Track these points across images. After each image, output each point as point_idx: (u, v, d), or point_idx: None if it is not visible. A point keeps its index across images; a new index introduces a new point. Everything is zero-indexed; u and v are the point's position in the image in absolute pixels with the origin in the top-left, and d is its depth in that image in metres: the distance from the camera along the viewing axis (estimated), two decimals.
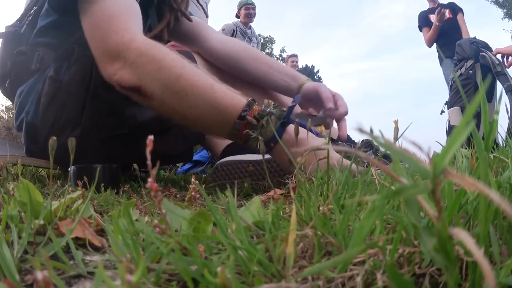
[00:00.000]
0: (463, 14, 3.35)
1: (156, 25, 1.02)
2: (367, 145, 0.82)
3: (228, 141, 0.99)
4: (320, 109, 0.96)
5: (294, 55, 5.21)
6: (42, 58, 0.94)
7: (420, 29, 3.45)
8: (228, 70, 1.08)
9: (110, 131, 0.88)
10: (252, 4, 3.77)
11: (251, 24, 3.83)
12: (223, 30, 3.56)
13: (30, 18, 0.99)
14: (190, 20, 1.08)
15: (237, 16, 3.81)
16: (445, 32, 3.24)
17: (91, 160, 0.83)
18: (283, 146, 0.52)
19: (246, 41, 3.65)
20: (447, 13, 3.30)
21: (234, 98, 0.68)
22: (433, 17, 3.23)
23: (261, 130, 0.67)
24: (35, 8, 0.98)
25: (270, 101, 0.70)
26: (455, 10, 3.38)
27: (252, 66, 1.05)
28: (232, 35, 3.55)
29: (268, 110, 0.68)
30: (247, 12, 3.74)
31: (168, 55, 0.70)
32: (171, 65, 0.69)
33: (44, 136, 0.90)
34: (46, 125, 0.90)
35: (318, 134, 0.71)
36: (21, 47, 0.97)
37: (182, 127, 0.94)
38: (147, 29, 1.04)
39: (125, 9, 0.76)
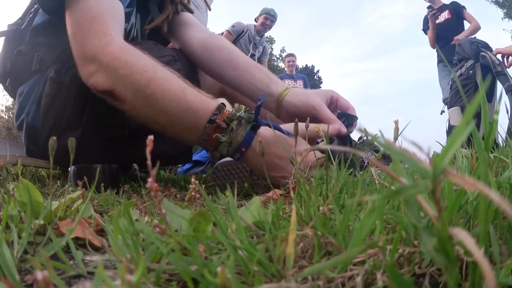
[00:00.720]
0: (465, 9, 3.34)
1: (157, 16, 1.02)
2: (367, 144, 0.81)
3: None
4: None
5: (291, 55, 5.02)
6: (42, 59, 0.94)
7: (425, 32, 3.46)
8: (206, 73, 1.04)
9: (111, 132, 0.88)
10: (273, 17, 3.76)
11: (264, 33, 3.84)
12: (233, 26, 3.56)
13: (30, 16, 0.99)
14: (192, 12, 1.07)
15: (256, 20, 3.82)
16: (441, 35, 3.28)
17: (92, 161, 0.83)
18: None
19: (252, 47, 3.67)
20: (446, 14, 3.30)
21: (205, 102, 0.68)
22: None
23: (231, 134, 0.66)
24: (35, 6, 0.98)
25: (241, 105, 0.69)
26: (457, 9, 3.37)
27: (223, 70, 0.97)
28: (239, 35, 3.55)
29: (238, 114, 0.67)
30: (264, 21, 3.74)
31: (140, 60, 0.71)
32: (142, 70, 0.69)
33: (44, 137, 0.90)
34: (46, 126, 0.90)
35: (289, 134, 0.67)
36: (21, 47, 0.97)
37: None
38: (148, 22, 1.04)
39: (108, 11, 0.76)
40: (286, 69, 4.97)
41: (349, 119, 0.82)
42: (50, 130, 0.89)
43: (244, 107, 0.69)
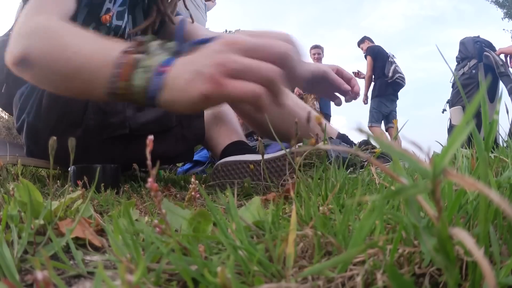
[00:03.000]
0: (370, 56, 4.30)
1: (142, 23, 1.03)
2: (366, 144, 0.81)
3: (228, 141, 0.99)
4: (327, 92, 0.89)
5: (318, 47, 4.39)
6: None
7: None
8: None
9: (111, 132, 0.89)
10: None
11: None
12: None
13: None
14: (174, 23, 1.07)
15: None
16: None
17: (92, 161, 0.84)
18: None
19: None
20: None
21: (120, 41, 0.59)
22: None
23: (149, 57, 0.53)
24: None
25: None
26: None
27: None
28: None
29: (155, 42, 0.56)
30: None
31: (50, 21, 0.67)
32: (50, 26, 0.65)
33: (46, 137, 0.89)
34: (48, 126, 0.91)
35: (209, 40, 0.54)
36: None
37: (183, 128, 0.94)
38: (132, 27, 1.06)
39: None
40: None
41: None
42: (52, 129, 0.90)
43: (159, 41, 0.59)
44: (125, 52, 0.55)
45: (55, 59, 0.62)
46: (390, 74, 4.12)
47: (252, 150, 0.93)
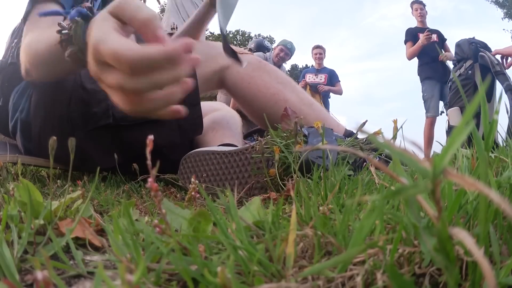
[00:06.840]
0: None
1: None
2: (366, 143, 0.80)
3: (219, 143, 0.98)
4: None
5: (319, 47, 4.34)
6: None
7: (405, 42, 3.64)
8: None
9: (95, 122, 0.89)
10: (289, 50, 3.70)
11: (281, 64, 3.76)
12: None
13: (13, 50, 1.09)
14: None
15: (273, 49, 3.80)
16: (427, 52, 3.45)
17: (88, 157, 0.87)
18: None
19: None
20: (435, 38, 3.54)
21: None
22: (421, 35, 3.49)
23: (74, 26, 0.60)
24: (15, 40, 1.09)
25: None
26: (442, 37, 3.63)
27: None
28: None
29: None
30: (278, 53, 3.67)
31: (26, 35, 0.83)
32: (29, 43, 0.81)
33: (37, 132, 0.93)
34: (37, 121, 0.93)
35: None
36: (13, 60, 1.06)
37: (177, 119, 0.94)
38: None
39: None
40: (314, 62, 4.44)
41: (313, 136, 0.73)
42: (42, 124, 0.92)
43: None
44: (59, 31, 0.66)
45: (36, 63, 0.79)
46: None
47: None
